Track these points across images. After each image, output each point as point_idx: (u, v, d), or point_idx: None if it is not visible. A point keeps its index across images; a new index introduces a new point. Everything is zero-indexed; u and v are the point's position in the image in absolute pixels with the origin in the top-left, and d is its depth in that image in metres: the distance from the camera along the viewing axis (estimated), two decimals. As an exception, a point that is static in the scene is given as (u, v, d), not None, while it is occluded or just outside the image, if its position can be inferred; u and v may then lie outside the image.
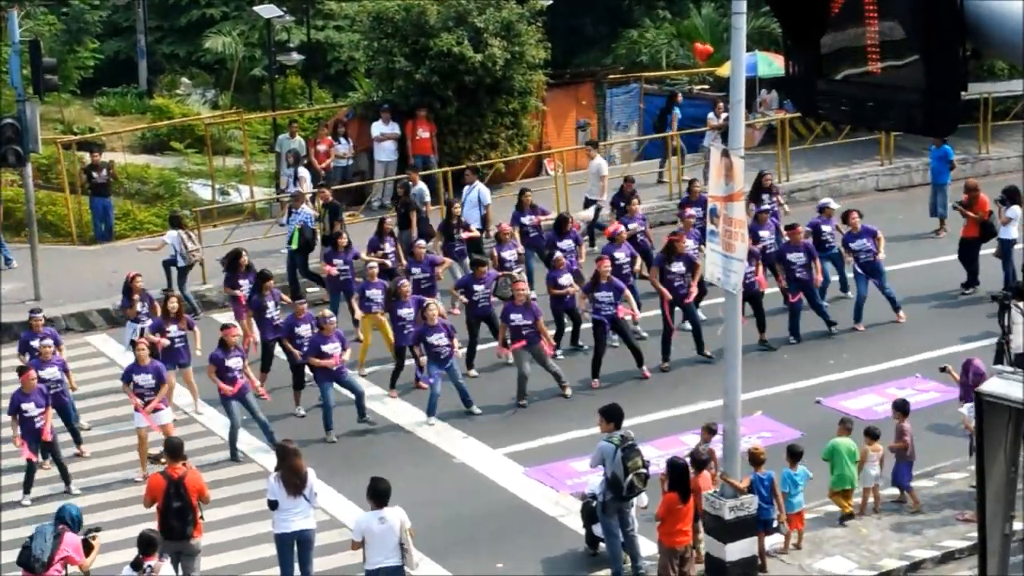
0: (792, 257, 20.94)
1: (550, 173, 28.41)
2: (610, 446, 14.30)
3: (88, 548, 13.53)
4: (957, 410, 16.57)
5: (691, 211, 22.30)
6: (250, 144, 31.74)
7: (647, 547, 14.80)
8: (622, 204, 23.33)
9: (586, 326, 20.55)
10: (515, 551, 15.50)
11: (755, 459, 14.86)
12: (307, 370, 18.82)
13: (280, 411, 19.14)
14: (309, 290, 23.13)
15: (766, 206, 22.76)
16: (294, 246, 23.17)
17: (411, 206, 23.93)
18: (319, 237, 23.39)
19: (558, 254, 20.65)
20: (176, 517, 14.12)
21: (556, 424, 18.61)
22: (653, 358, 20.10)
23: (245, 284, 20.66)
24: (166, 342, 18.82)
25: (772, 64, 30.52)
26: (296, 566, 14.33)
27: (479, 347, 20.27)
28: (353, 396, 18.71)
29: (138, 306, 20.10)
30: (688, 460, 14.44)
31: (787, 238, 21.39)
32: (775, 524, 14.90)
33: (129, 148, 33.05)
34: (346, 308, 21.62)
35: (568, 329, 20.90)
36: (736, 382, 14.08)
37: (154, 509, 14.31)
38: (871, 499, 15.95)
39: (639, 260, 21.07)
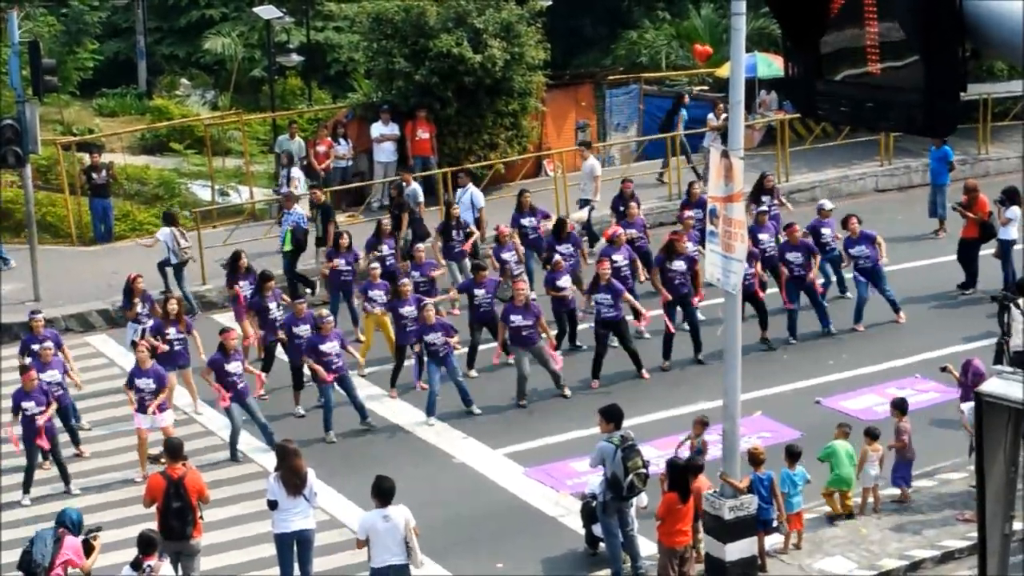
0: (791, 256, 20.97)
1: (549, 174, 28.43)
2: (610, 446, 14.31)
3: (89, 548, 13.54)
4: (960, 405, 16.51)
5: (690, 213, 22.32)
6: (250, 145, 31.74)
7: (647, 547, 14.81)
8: (621, 208, 23.34)
9: (586, 327, 20.59)
10: (515, 551, 15.51)
11: (755, 459, 14.88)
12: (306, 370, 18.85)
13: (280, 411, 19.16)
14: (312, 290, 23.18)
15: (765, 207, 22.77)
16: (287, 248, 23.18)
17: (404, 207, 23.94)
18: (314, 238, 23.42)
19: (557, 257, 20.68)
20: (176, 517, 14.13)
21: (556, 424, 18.62)
22: (654, 358, 20.11)
23: (245, 285, 20.72)
24: (165, 347, 18.84)
25: (771, 65, 30.52)
26: (296, 566, 14.34)
27: (480, 347, 20.29)
28: (351, 400, 18.72)
29: (139, 308, 20.12)
30: (684, 462, 14.47)
31: (785, 237, 21.42)
32: (775, 524, 14.91)
33: (129, 149, 33.03)
34: (345, 308, 21.66)
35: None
36: (736, 382, 14.09)
37: (154, 509, 14.32)
38: (871, 499, 15.97)
39: (640, 267, 21.10)
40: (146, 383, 17.58)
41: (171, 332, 19.04)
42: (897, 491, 16.14)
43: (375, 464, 16.81)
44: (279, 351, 19.83)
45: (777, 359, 20.49)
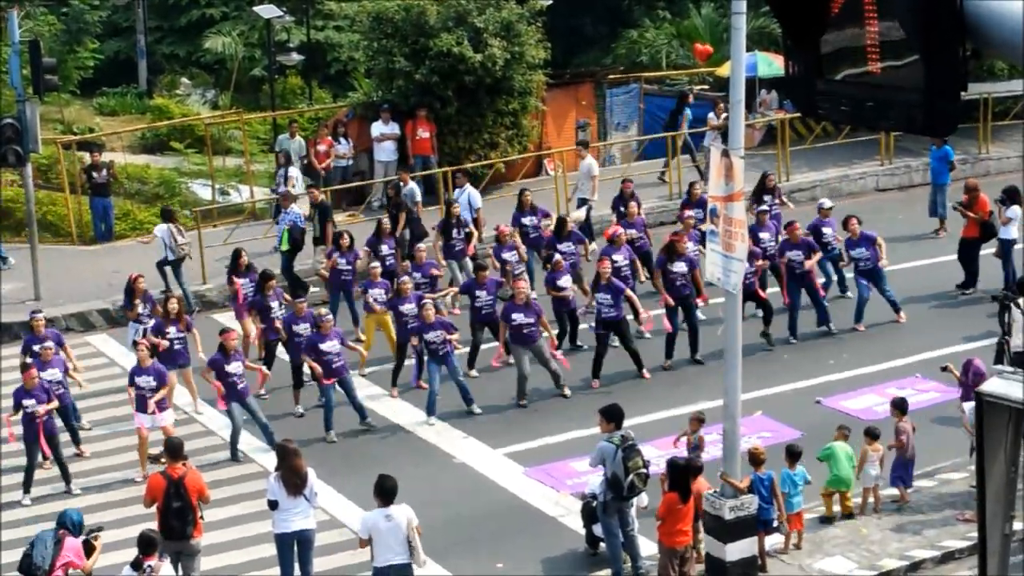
0: (791, 255, 20.97)
1: (550, 173, 28.42)
2: (610, 446, 14.30)
3: (90, 548, 13.54)
4: (961, 405, 16.49)
5: (690, 212, 22.32)
6: (250, 144, 31.74)
7: (647, 547, 14.80)
8: (621, 208, 23.34)
9: (587, 327, 20.58)
10: (515, 551, 15.50)
11: (755, 459, 14.87)
12: (306, 369, 18.85)
13: (280, 411, 19.16)
14: (313, 289, 23.15)
15: (765, 207, 22.76)
16: (284, 247, 23.18)
17: (401, 207, 23.94)
18: (312, 238, 23.42)
19: (557, 256, 20.68)
20: (176, 517, 14.12)
21: (556, 424, 18.61)
22: (655, 358, 20.10)
23: (245, 283, 20.74)
24: (166, 344, 18.84)
25: (772, 64, 30.53)
26: (296, 566, 14.33)
27: (481, 347, 20.28)
28: (350, 401, 18.71)
29: (140, 308, 20.13)
30: (685, 462, 14.46)
31: (786, 236, 21.42)
32: (775, 524, 14.90)
33: (129, 148, 33.03)
34: (345, 308, 21.66)
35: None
36: (736, 382, 14.08)
37: (154, 509, 14.32)
38: (871, 499, 15.96)
39: (640, 268, 21.09)
40: (146, 380, 17.58)
41: (171, 331, 19.05)
42: (897, 491, 16.13)
43: (375, 464, 16.80)
44: (279, 350, 19.83)
45: (777, 359, 20.49)
